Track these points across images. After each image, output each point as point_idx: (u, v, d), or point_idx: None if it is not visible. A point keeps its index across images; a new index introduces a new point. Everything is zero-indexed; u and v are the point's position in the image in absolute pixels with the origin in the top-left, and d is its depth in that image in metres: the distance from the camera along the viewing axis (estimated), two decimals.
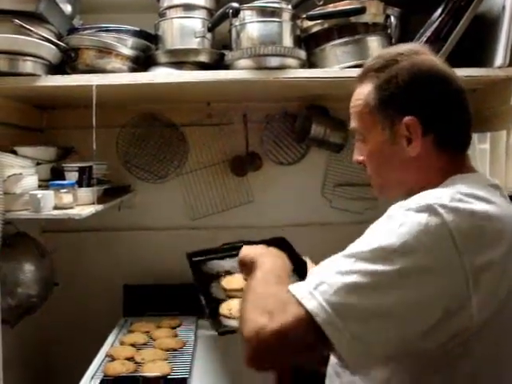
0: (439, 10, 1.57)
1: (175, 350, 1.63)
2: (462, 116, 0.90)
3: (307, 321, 0.68)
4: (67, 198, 1.51)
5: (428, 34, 1.54)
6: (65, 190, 1.51)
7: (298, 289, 0.73)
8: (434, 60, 0.92)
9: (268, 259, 0.96)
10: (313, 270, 0.79)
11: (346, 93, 1.02)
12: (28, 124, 1.96)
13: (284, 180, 2.12)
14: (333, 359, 0.96)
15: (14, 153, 1.59)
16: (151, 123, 2.06)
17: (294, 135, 2.09)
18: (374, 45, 1.59)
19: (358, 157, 0.99)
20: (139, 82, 1.55)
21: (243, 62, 1.56)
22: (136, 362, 1.52)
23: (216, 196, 2.11)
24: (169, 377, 1.45)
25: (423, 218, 0.73)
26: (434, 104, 0.87)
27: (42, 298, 1.71)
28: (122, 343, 1.68)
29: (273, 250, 1.05)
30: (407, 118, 0.86)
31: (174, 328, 1.82)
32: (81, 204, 1.57)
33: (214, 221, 2.10)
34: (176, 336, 1.75)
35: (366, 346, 0.69)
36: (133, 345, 1.65)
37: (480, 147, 1.58)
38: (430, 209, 0.73)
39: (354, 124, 0.97)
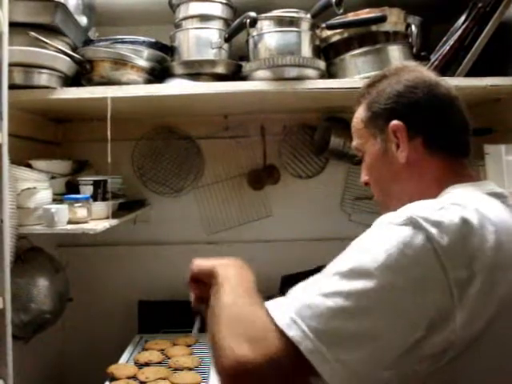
0: (463, 17, 1.52)
1: (191, 368, 1.58)
2: (450, 120, 0.89)
3: (292, 350, 0.64)
4: (82, 213, 1.48)
5: (451, 42, 1.49)
6: (79, 204, 1.48)
7: (279, 314, 0.67)
8: (422, 72, 0.94)
9: (231, 270, 0.85)
10: (296, 286, 0.73)
11: None
12: (43, 137, 1.94)
13: (302, 193, 2.07)
14: None
15: (29, 166, 1.57)
16: (167, 136, 2.04)
17: (312, 147, 2.05)
18: (395, 54, 1.55)
19: (363, 177, 1.00)
20: (155, 94, 1.52)
21: (261, 73, 1.53)
22: (140, 382, 1.48)
23: (233, 210, 2.07)
24: None
25: (405, 232, 0.70)
26: (419, 107, 0.88)
27: (56, 314, 1.67)
28: (136, 361, 1.64)
29: (231, 260, 0.92)
30: (393, 123, 0.88)
31: (189, 346, 1.77)
32: (95, 218, 1.55)
33: (230, 235, 2.06)
34: (191, 354, 1.70)
35: (353, 372, 0.65)
36: (147, 363, 1.61)
37: (507, 159, 1.51)
38: (412, 222, 0.70)
39: (354, 143, 0.99)
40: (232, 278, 0.82)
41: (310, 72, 1.53)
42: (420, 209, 0.73)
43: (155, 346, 1.76)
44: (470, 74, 1.52)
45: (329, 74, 1.61)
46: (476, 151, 1.76)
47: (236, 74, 1.62)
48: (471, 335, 0.69)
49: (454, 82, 1.48)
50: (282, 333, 0.65)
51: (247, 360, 0.63)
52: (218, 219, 2.07)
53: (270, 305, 0.70)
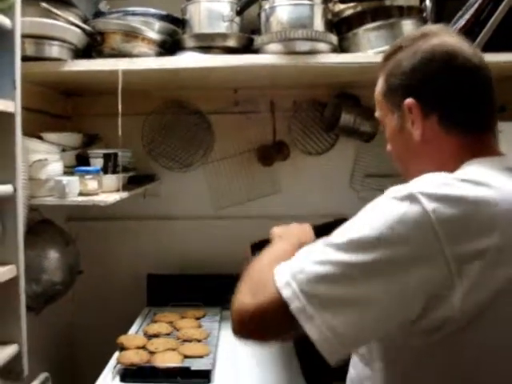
0: None
1: (199, 340, 1.60)
2: (468, 93, 0.85)
3: (283, 307, 0.72)
4: (92, 185, 1.49)
5: (467, 16, 1.47)
6: (90, 177, 1.49)
7: (280, 275, 0.76)
8: (441, 39, 0.88)
9: (280, 243, 1.02)
10: (301, 251, 0.80)
11: (377, 80, 0.98)
12: (54, 111, 1.94)
13: (312, 170, 2.07)
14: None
15: (40, 139, 1.57)
16: (177, 111, 2.03)
17: (322, 124, 2.03)
18: (409, 28, 1.52)
19: (388, 147, 0.99)
20: (166, 67, 1.52)
21: (272, 47, 1.52)
22: (150, 352, 1.50)
23: (242, 186, 2.07)
24: (193, 368, 1.42)
25: (403, 207, 0.71)
26: (434, 84, 0.85)
27: (67, 286, 1.69)
28: (145, 333, 1.66)
29: (294, 235, 1.09)
30: (407, 101, 0.86)
31: (198, 319, 1.79)
32: (106, 191, 1.55)
33: (239, 211, 2.06)
34: (200, 327, 1.72)
35: (337, 335, 0.70)
36: (156, 335, 1.63)
37: None
38: (410, 197, 0.71)
39: (376, 113, 0.99)
40: (273, 247, 0.98)
41: (322, 46, 1.52)
42: (423, 184, 0.73)
43: (164, 318, 1.78)
44: (485, 50, 1.50)
45: (341, 48, 1.60)
46: None
47: (247, 48, 1.60)
48: (472, 311, 0.69)
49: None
50: (278, 291, 0.73)
51: (246, 307, 0.76)
52: (227, 195, 2.07)
53: (279, 267, 0.78)
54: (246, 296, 0.78)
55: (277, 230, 1.15)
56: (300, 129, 2.06)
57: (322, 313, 0.70)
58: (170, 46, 1.62)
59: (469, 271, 0.68)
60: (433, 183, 0.73)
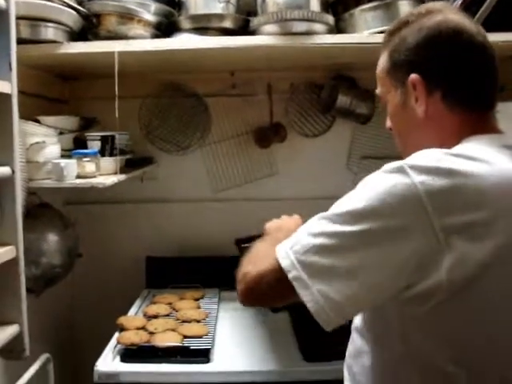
0: None
1: (198, 321, 1.62)
2: (472, 71, 0.85)
3: (282, 275, 0.78)
4: (90, 167, 1.49)
5: None
6: (88, 159, 1.49)
7: (280, 247, 0.82)
8: (446, 16, 0.87)
9: (275, 234, 1.07)
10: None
11: (374, 61, 0.98)
12: (50, 94, 1.94)
13: (309, 152, 2.07)
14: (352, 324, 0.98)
15: (37, 122, 1.57)
16: (174, 93, 2.03)
17: (319, 106, 2.04)
18: (405, 9, 1.51)
19: (387, 123, 0.99)
20: (162, 49, 1.51)
21: (269, 28, 1.51)
22: (150, 332, 1.52)
23: (239, 168, 2.08)
24: (192, 347, 1.44)
25: (392, 179, 0.73)
26: (439, 60, 0.85)
27: (66, 269, 1.70)
28: (144, 314, 1.68)
29: (287, 228, 1.10)
30: (411, 77, 0.86)
31: (197, 300, 1.81)
32: (104, 173, 1.56)
33: (237, 193, 2.07)
34: (199, 308, 1.74)
35: (331, 303, 0.74)
36: (155, 316, 1.65)
37: None
38: (400, 170, 0.73)
39: (377, 90, 0.98)
40: (271, 236, 1.07)
41: (319, 27, 1.51)
42: (415, 158, 0.75)
43: (163, 299, 1.80)
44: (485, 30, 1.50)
45: (337, 29, 1.59)
46: None
47: (244, 29, 1.60)
48: (460, 281, 0.70)
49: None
50: (277, 262, 0.80)
51: (248, 275, 0.85)
52: (225, 177, 2.08)
53: (280, 244, 0.83)
54: (248, 266, 0.87)
55: (270, 225, 1.20)
56: (297, 111, 2.06)
57: (317, 281, 0.75)
58: (165, 27, 1.62)
59: (456, 243, 0.69)
60: (423, 157, 0.75)
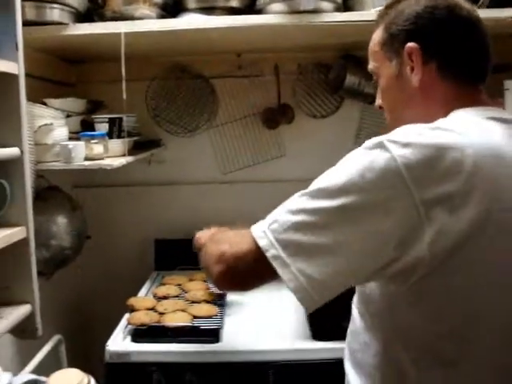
0: None
1: (208, 301, 1.63)
2: (468, 44, 0.87)
3: (260, 255, 0.76)
4: (98, 149, 1.49)
5: None
6: (95, 141, 1.49)
7: (256, 227, 0.80)
8: None
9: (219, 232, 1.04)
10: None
11: None
12: (57, 78, 1.93)
13: (316, 133, 2.06)
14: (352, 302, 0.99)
15: (44, 105, 1.57)
16: (180, 76, 2.02)
17: (327, 86, 2.02)
18: None
19: (377, 101, 0.99)
20: (168, 29, 1.50)
21: (275, 7, 1.50)
22: (159, 313, 1.53)
23: (247, 149, 2.07)
24: (201, 327, 1.45)
25: (371, 154, 0.73)
26: (437, 30, 0.86)
27: (75, 251, 1.72)
28: (154, 295, 1.69)
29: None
30: (408, 45, 0.86)
31: (206, 281, 1.82)
32: (111, 156, 1.56)
33: (244, 175, 2.07)
34: (208, 289, 1.75)
35: (311, 282, 0.73)
36: (165, 297, 1.66)
37: None
38: (380, 145, 0.73)
39: (369, 66, 0.98)
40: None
41: (326, 5, 1.50)
42: (395, 133, 0.75)
43: (172, 280, 1.81)
44: (490, 5, 1.48)
45: (345, 7, 1.57)
46: (495, 87, 1.73)
47: (250, 8, 1.58)
48: (441, 253, 0.70)
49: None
50: (255, 242, 0.77)
51: (225, 254, 0.81)
52: (233, 159, 2.08)
53: (254, 225, 0.81)
54: (222, 246, 0.83)
55: (203, 234, 1.21)
56: (305, 91, 2.05)
57: (296, 260, 0.73)
58: (172, 7, 1.60)
59: (436, 214, 0.69)
60: (402, 132, 0.75)
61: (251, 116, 2.06)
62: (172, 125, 2.05)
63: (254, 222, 0.82)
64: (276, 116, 2.01)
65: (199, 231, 1.28)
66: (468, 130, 0.76)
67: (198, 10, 1.56)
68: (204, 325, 1.47)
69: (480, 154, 0.73)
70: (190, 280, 1.81)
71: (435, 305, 0.76)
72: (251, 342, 1.44)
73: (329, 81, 2.00)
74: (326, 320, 1.43)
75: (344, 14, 1.52)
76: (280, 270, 0.74)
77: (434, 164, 0.70)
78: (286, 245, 0.74)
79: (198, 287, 1.74)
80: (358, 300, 0.93)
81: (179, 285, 1.77)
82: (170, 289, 1.73)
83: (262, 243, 0.76)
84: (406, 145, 0.72)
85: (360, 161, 0.73)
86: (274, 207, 0.81)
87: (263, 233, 0.77)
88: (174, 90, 2.03)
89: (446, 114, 0.84)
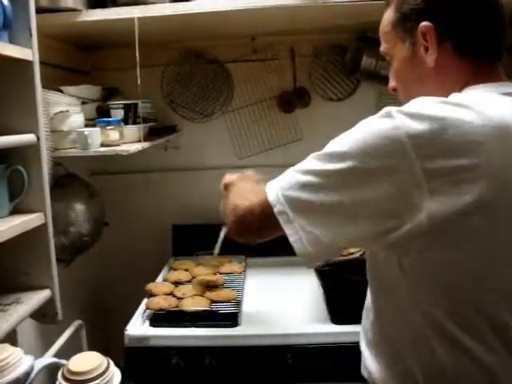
0: None
1: (216, 286, 1.64)
2: (484, 20, 0.85)
3: (268, 209, 0.81)
4: (114, 135, 1.50)
5: None
6: (111, 127, 1.50)
7: (270, 183, 0.85)
8: None
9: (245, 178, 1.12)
10: None
11: None
12: (72, 65, 1.94)
13: (333, 116, 2.04)
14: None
15: (60, 92, 1.58)
16: (195, 61, 2.01)
17: (343, 68, 1.99)
18: None
19: (391, 83, 0.99)
20: (182, 13, 1.48)
21: None
22: (178, 297, 1.54)
23: (263, 134, 2.06)
24: (220, 311, 1.46)
25: (379, 122, 0.75)
26: (450, 8, 0.84)
27: (94, 237, 1.73)
28: (165, 280, 1.71)
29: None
30: (422, 25, 0.85)
31: (215, 266, 1.83)
32: (127, 142, 1.56)
33: (261, 159, 2.06)
34: (215, 274, 1.76)
35: (311, 238, 0.78)
36: (177, 282, 1.68)
37: None
38: (388, 114, 0.75)
39: (381, 47, 0.97)
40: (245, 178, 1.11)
41: None
42: (407, 104, 0.76)
43: (180, 266, 1.84)
44: None
45: None
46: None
47: None
48: (442, 223, 0.71)
49: None
50: (266, 196, 0.83)
51: (239, 207, 0.89)
52: (249, 143, 2.07)
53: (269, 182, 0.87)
54: (239, 201, 0.91)
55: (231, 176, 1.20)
56: (321, 74, 2.02)
57: (300, 216, 0.79)
58: None
59: (438, 187, 0.70)
60: (412, 104, 0.76)
61: (267, 100, 2.04)
62: (187, 110, 2.04)
63: None
64: (292, 100, 1.99)
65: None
66: (480, 105, 0.75)
67: None
68: (222, 309, 1.47)
69: (491, 129, 0.72)
70: (198, 265, 1.83)
71: (439, 278, 0.76)
72: (269, 326, 1.44)
73: (345, 63, 1.97)
74: (345, 303, 1.43)
75: None
76: (284, 225, 0.80)
77: (438, 137, 0.71)
78: (290, 201, 0.79)
79: (205, 272, 1.75)
80: (369, 275, 0.94)
81: (186, 270, 1.79)
82: (181, 274, 1.74)
83: (271, 198, 0.81)
84: (411, 115, 0.72)
85: (368, 128, 0.76)
86: None
87: (273, 189, 0.82)
88: (189, 75, 2.02)
89: (460, 91, 0.83)
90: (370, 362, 0.93)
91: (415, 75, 0.90)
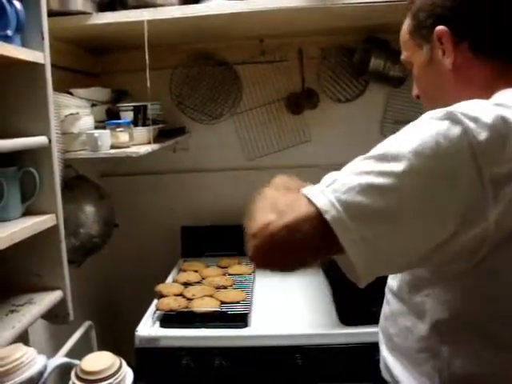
0: None
1: (225, 287, 1.64)
2: (501, 18, 0.82)
3: (317, 218, 0.67)
4: (124, 137, 1.51)
5: None
6: (121, 129, 1.51)
7: (310, 189, 0.71)
8: None
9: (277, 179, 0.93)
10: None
11: None
12: (82, 68, 1.95)
13: (341, 118, 2.04)
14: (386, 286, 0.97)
15: (70, 94, 1.59)
16: (204, 63, 2.02)
17: (352, 70, 1.99)
18: None
19: (414, 91, 0.97)
20: (191, 15, 1.49)
21: None
22: (187, 298, 1.55)
23: (272, 135, 2.07)
24: (230, 312, 1.46)
25: (444, 125, 0.68)
26: (463, 10, 0.83)
27: (104, 239, 1.74)
28: (175, 281, 1.72)
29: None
30: (437, 29, 0.84)
31: (223, 268, 1.84)
32: (137, 143, 1.57)
33: (270, 161, 2.07)
34: (224, 275, 1.77)
35: (375, 249, 0.67)
36: (186, 283, 1.68)
37: None
38: (451, 117, 0.69)
39: (402, 56, 0.96)
40: (276, 182, 0.90)
41: None
42: (463, 106, 0.71)
43: (190, 267, 1.85)
44: None
45: None
46: None
47: None
48: (506, 232, 0.68)
49: None
50: (310, 202, 0.68)
51: (273, 225, 0.68)
52: (258, 145, 2.07)
53: (305, 188, 0.72)
54: (269, 215, 0.70)
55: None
56: (329, 76, 2.02)
57: (359, 224, 0.66)
58: None
59: (505, 192, 0.67)
60: (471, 106, 0.71)
61: (275, 102, 2.05)
62: (196, 112, 2.05)
63: None
64: (300, 101, 2.00)
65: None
66: None
67: None
68: (232, 310, 1.48)
69: None
70: (207, 266, 1.84)
71: (496, 288, 0.74)
72: (279, 327, 1.45)
73: (353, 64, 1.97)
74: (354, 305, 1.43)
75: None
76: (340, 235, 0.66)
77: (504, 141, 0.68)
78: (349, 206, 0.66)
79: (215, 273, 1.76)
80: (401, 285, 0.90)
81: (196, 271, 1.80)
82: (190, 275, 1.75)
83: (320, 203, 0.67)
84: (476, 119, 0.68)
85: (431, 128, 0.69)
86: None
87: (321, 192, 0.68)
88: (197, 77, 2.03)
89: (487, 95, 0.80)
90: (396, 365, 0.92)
91: (436, 80, 0.89)
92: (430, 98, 0.94)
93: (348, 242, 0.66)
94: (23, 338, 1.17)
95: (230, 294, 1.56)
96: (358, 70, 1.95)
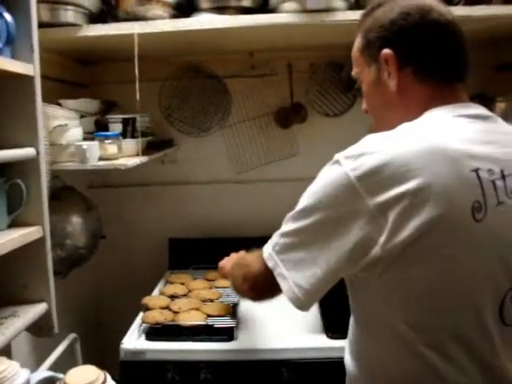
0: None
1: (212, 300, 1.64)
2: (442, 46, 0.88)
3: (270, 274, 0.88)
4: (112, 149, 1.50)
5: None
6: (110, 141, 1.50)
7: (265, 252, 0.91)
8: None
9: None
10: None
11: None
12: (71, 79, 1.95)
13: (329, 132, 2.06)
14: None
15: (59, 105, 1.59)
16: (193, 75, 2.03)
17: (340, 85, 2.02)
18: None
19: (363, 105, 1.02)
20: (181, 29, 1.50)
21: (287, 6, 1.50)
22: (174, 311, 1.54)
23: (260, 149, 2.08)
24: (216, 326, 1.46)
25: (331, 171, 0.80)
26: (410, 36, 0.88)
27: (90, 250, 1.73)
28: (162, 294, 1.71)
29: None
30: (384, 51, 0.89)
31: (210, 280, 1.83)
32: (125, 155, 1.57)
33: (258, 174, 2.08)
34: (211, 288, 1.76)
35: (302, 290, 0.84)
36: (173, 296, 1.68)
37: None
38: (336, 162, 0.80)
39: (353, 71, 1.01)
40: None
41: (339, 3, 1.49)
42: (351, 147, 0.80)
43: (177, 279, 1.84)
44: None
45: (358, 6, 1.56)
46: (505, 86, 1.71)
47: (263, 7, 1.58)
48: (394, 251, 0.75)
49: (478, 12, 1.47)
50: (264, 263, 0.91)
51: (247, 274, 1.00)
52: (246, 158, 2.08)
53: (264, 247, 0.94)
54: (245, 268, 1.02)
55: (225, 262, 1.45)
56: (317, 90, 2.04)
57: (290, 273, 0.85)
58: (184, 7, 1.60)
59: (391, 215, 0.74)
60: (357, 145, 0.80)
61: (264, 115, 2.06)
62: (185, 125, 2.06)
63: (267, 220, 0.95)
64: (289, 115, 2.02)
65: (222, 260, 1.49)
66: (423, 130, 0.80)
67: (210, 10, 1.56)
68: (218, 323, 1.47)
69: (426, 154, 0.75)
70: (194, 279, 1.84)
71: (399, 295, 0.80)
72: (265, 341, 1.45)
73: (341, 79, 2.00)
74: (341, 318, 1.43)
75: (357, 12, 1.50)
76: (280, 283, 0.87)
77: (382, 170, 0.75)
78: (284, 262, 0.87)
79: (201, 286, 1.76)
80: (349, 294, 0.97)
81: (182, 284, 1.79)
82: (177, 288, 1.74)
83: (270, 264, 0.89)
84: (354, 157, 0.77)
85: (323, 178, 0.81)
86: (288, 206, 0.87)
87: (270, 255, 0.90)
88: (187, 89, 2.04)
89: (420, 114, 0.86)
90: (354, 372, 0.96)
91: (381, 99, 0.93)
92: (375, 113, 0.98)
93: (285, 287, 0.86)
94: (5, 350, 1.16)
95: (217, 308, 1.56)
96: (346, 85, 1.97)
